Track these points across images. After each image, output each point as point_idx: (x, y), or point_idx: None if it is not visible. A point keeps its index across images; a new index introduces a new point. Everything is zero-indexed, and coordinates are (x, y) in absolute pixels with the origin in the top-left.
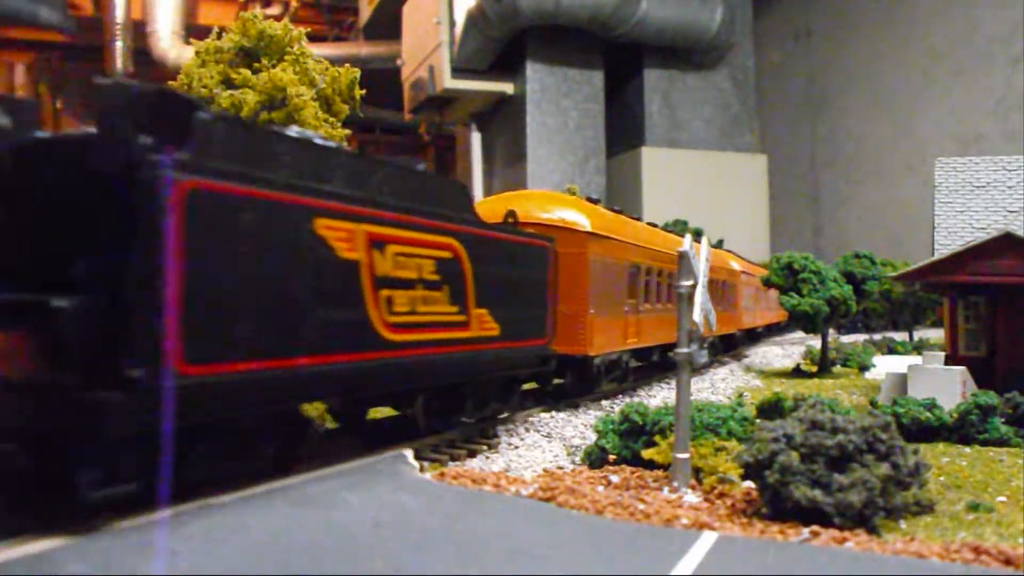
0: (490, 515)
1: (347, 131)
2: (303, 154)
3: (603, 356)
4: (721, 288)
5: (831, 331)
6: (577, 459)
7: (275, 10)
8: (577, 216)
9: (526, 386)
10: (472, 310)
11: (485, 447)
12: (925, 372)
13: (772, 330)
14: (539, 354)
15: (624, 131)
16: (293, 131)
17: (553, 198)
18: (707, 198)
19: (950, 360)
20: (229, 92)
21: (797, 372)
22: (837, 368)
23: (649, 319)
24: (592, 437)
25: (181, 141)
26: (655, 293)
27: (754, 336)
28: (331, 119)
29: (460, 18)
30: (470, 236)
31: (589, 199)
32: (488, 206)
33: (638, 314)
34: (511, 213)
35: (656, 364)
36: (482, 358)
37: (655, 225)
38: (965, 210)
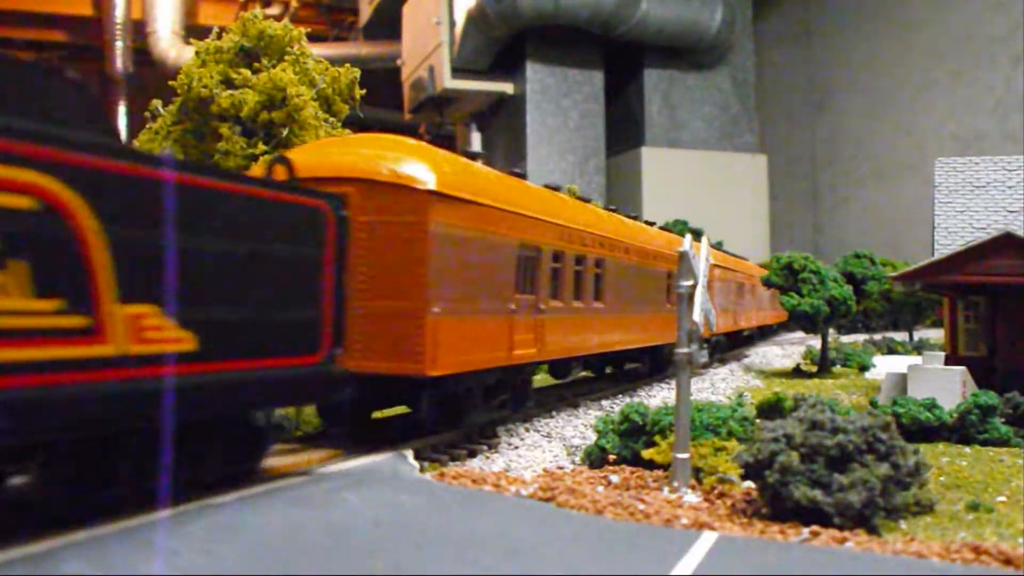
0: (490, 515)
1: (347, 131)
2: None
3: (461, 375)
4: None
5: (831, 331)
6: (577, 459)
7: (275, 10)
8: (413, 168)
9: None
10: (112, 309)
11: (485, 447)
12: (925, 372)
13: (766, 333)
14: (308, 378)
15: (624, 131)
16: None
17: (385, 143)
18: (707, 198)
19: (950, 360)
20: (229, 92)
21: (797, 372)
22: (837, 368)
23: (565, 322)
24: (592, 437)
25: None
26: (585, 287)
27: (737, 341)
28: (331, 119)
29: (460, 18)
30: (99, 175)
31: (467, 153)
32: (307, 155)
33: (540, 315)
34: (279, 162)
35: (619, 375)
36: (144, 392)
37: (618, 212)
38: (965, 210)
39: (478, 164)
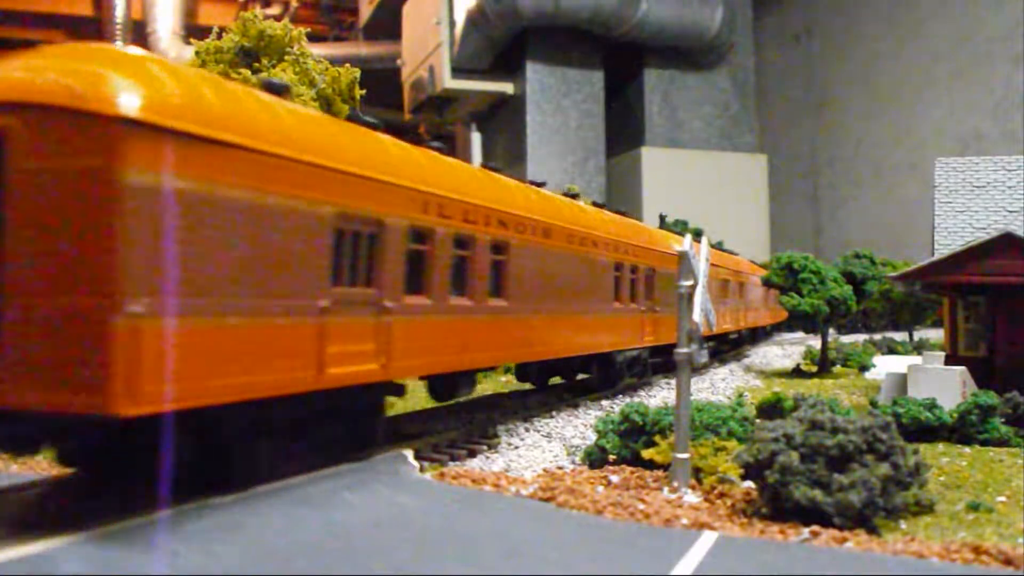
0: (490, 515)
1: None
2: None
3: (221, 410)
4: (630, 277)
5: (831, 331)
6: (577, 459)
7: (275, 10)
8: (103, 82)
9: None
10: None
11: (485, 447)
12: (925, 372)
13: (758, 336)
14: None
15: (624, 131)
16: None
17: (79, 52)
18: (707, 198)
19: (950, 360)
20: None
21: (797, 372)
22: (837, 368)
23: (435, 326)
24: (592, 437)
25: None
26: (475, 280)
27: (717, 347)
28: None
29: (460, 18)
30: None
31: (269, 85)
32: None
33: (385, 316)
34: None
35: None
36: None
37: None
38: (965, 210)
39: (273, 97)
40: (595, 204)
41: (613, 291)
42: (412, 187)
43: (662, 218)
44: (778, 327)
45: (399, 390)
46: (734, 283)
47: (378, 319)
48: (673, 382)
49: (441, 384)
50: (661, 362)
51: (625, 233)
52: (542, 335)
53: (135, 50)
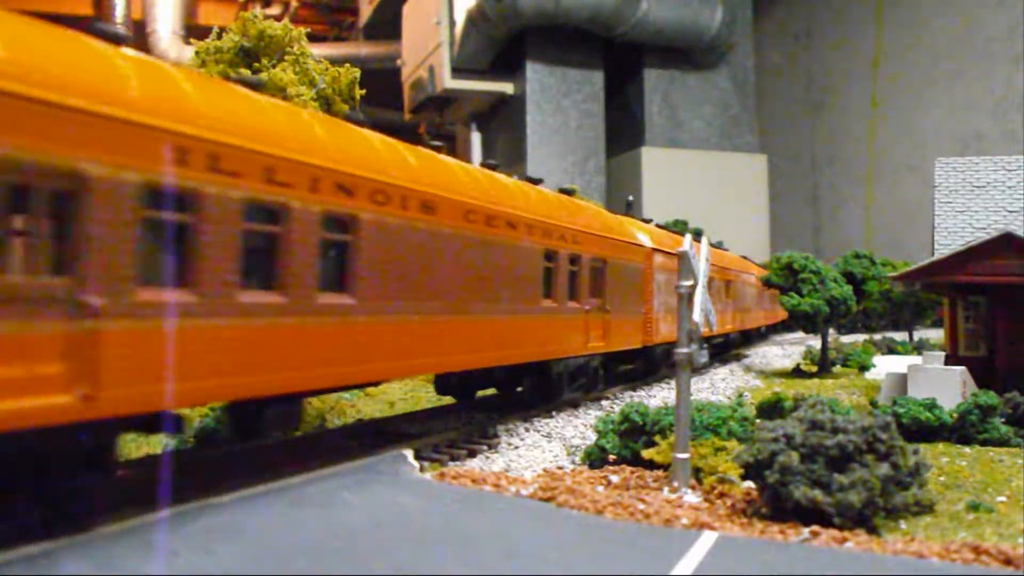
0: (490, 515)
1: None
2: None
3: None
4: (568, 269)
5: (831, 331)
6: (577, 459)
7: (275, 10)
8: None
9: None
10: None
11: (485, 447)
12: (925, 372)
13: (750, 338)
14: None
15: (624, 131)
16: None
17: None
18: (707, 198)
19: (950, 360)
20: None
21: (797, 372)
22: (837, 368)
23: (197, 333)
24: (592, 437)
25: None
26: (286, 269)
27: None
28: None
29: (460, 18)
30: None
31: None
32: None
33: (82, 320)
34: None
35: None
36: None
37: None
38: (965, 210)
39: None
40: (529, 179)
41: (542, 287)
42: (158, 125)
43: (628, 204)
44: (774, 328)
45: (162, 425)
46: (719, 281)
47: (70, 325)
48: (658, 386)
49: (248, 413)
50: (636, 369)
51: (561, 215)
52: (420, 342)
53: None
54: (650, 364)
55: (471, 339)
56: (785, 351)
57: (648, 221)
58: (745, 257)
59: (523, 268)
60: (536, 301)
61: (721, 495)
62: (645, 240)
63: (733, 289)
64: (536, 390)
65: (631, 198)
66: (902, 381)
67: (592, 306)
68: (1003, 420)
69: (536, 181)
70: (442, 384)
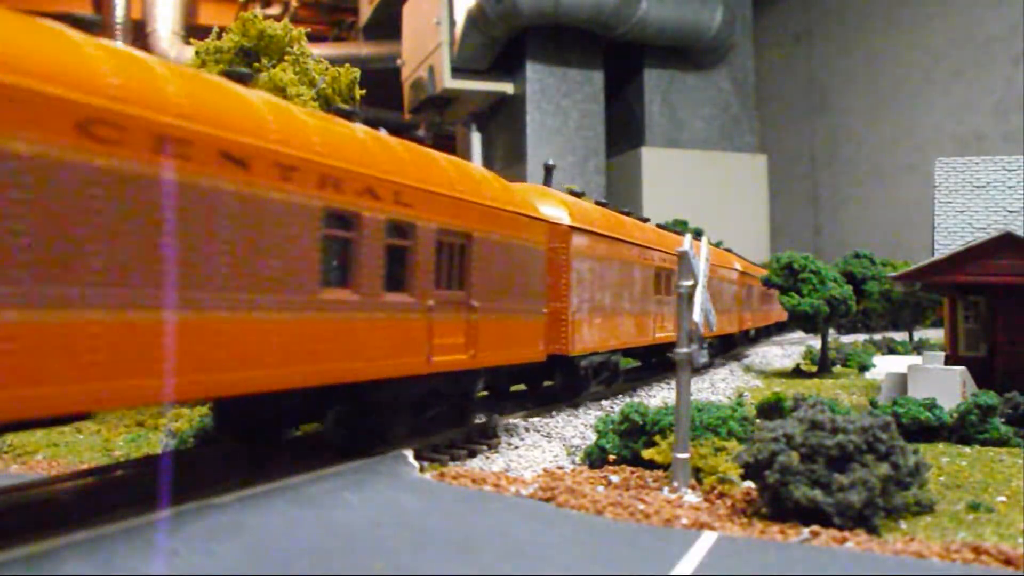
0: (490, 515)
1: None
2: None
3: None
4: (384, 244)
5: (831, 331)
6: (577, 459)
7: (275, 10)
8: None
9: None
10: None
11: (485, 447)
12: (925, 372)
13: (738, 342)
14: None
15: (624, 131)
16: None
17: None
18: (707, 198)
19: (950, 360)
20: None
21: (797, 372)
22: (837, 368)
23: None
24: (592, 437)
25: None
26: None
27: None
28: None
29: (460, 18)
30: None
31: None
32: None
33: None
34: None
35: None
36: None
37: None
38: (965, 210)
39: None
40: (342, 112)
41: (320, 271)
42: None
43: (547, 168)
44: (767, 331)
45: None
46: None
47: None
48: (658, 386)
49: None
50: (553, 387)
51: (380, 160)
52: (224, 351)
53: None
54: (571, 381)
55: (310, 344)
56: (785, 351)
57: (646, 220)
58: (729, 250)
59: (281, 241)
60: (311, 291)
61: (721, 495)
62: (555, 213)
63: (722, 287)
64: (453, 409)
65: (550, 161)
66: (902, 381)
67: (440, 300)
68: (1003, 420)
69: (348, 115)
70: (223, 420)
